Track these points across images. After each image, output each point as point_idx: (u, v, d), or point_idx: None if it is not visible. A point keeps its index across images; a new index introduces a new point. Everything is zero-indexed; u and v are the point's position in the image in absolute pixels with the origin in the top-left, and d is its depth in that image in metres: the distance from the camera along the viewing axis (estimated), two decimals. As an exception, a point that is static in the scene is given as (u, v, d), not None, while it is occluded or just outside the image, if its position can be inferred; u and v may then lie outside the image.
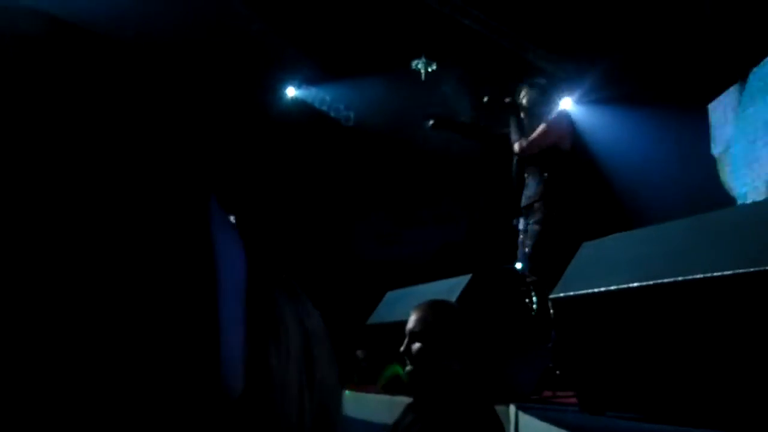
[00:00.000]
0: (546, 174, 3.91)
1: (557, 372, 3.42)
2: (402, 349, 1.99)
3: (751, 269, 1.54)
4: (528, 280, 3.86)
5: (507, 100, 4.03)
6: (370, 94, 7.03)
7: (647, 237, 2.14)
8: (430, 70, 7.14)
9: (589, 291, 2.06)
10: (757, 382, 1.61)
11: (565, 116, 4.29)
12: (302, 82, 7.18)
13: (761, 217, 1.75)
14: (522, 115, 4.01)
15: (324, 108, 7.27)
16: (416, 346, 1.94)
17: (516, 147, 3.95)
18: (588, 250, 2.35)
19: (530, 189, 3.98)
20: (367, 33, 6.54)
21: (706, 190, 5.69)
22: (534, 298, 3.84)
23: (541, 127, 3.92)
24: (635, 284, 1.89)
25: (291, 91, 7.22)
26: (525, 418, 2.37)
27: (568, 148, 4.00)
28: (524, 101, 4.04)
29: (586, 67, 6.52)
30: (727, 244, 1.72)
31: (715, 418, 1.71)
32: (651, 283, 1.83)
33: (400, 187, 7.24)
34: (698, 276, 1.69)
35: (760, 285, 1.55)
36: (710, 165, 5.86)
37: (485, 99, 4.12)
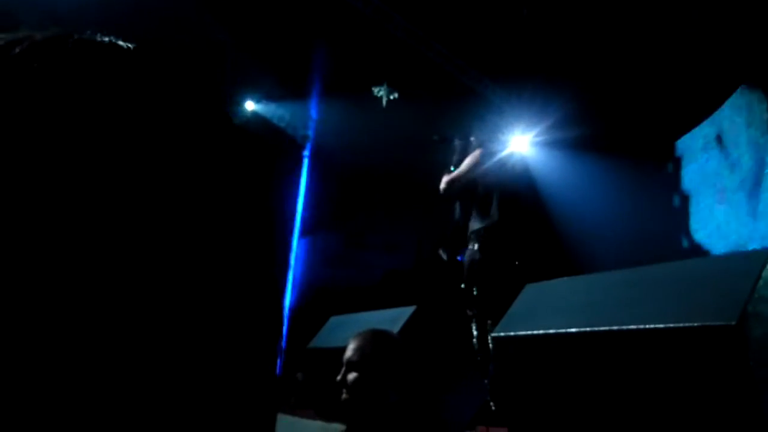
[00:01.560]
0: (490, 211, 3.98)
1: (492, 407, 3.47)
2: (338, 378, 1.98)
3: (679, 324, 1.61)
4: (469, 314, 3.91)
5: (456, 141, 4.11)
6: (330, 116, 7.06)
7: (588, 285, 2.22)
8: (391, 98, 7.23)
9: (529, 333, 2.11)
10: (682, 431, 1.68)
11: (489, 154, 4.34)
12: (262, 97, 7.15)
13: (697, 274, 1.85)
14: (477, 152, 4.08)
15: (282, 125, 7.25)
16: (352, 375, 1.94)
17: (442, 181, 4.03)
18: (531, 291, 2.41)
19: (474, 224, 4.05)
20: (332, 56, 6.59)
21: (655, 241, 5.88)
22: (474, 332, 3.89)
23: (468, 159, 4.00)
24: (573, 330, 1.95)
25: (250, 105, 7.18)
26: (458, 454, 2.39)
27: (515, 189, 4.09)
28: (475, 139, 4.11)
29: (544, 109, 6.73)
30: (660, 298, 1.80)
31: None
32: (587, 330, 1.90)
33: (352, 211, 7.25)
34: (630, 327, 1.76)
35: (687, 340, 1.62)
36: (661, 217, 6.06)
37: (435, 137, 4.19)
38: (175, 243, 0.31)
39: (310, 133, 7.32)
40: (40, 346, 0.26)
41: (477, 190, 4.02)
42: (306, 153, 7.25)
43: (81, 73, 0.31)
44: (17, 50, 0.32)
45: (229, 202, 0.35)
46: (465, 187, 3.98)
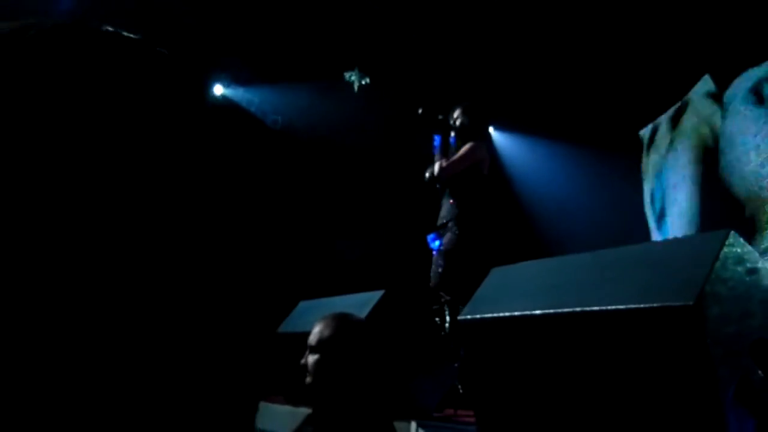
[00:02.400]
0: (461, 196, 4.00)
1: (460, 391, 3.50)
2: (302, 361, 1.98)
3: (639, 305, 1.64)
4: (442, 299, 3.93)
5: (440, 117, 4.10)
6: (300, 100, 6.99)
7: (552, 267, 2.24)
8: (363, 83, 7.18)
9: (494, 315, 2.12)
10: (640, 410, 1.71)
11: (487, 142, 4.42)
12: (231, 81, 7.05)
13: (658, 256, 1.88)
14: (452, 135, 4.09)
15: (251, 110, 7.16)
16: (312, 358, 1.95)
17: (435, 167, 4.02)
18: (497, 275, 2.42)
19: (445, 209, 4.06)
20: (303, 39, 6.52)
21: (620, 225, 5.96)
22: (447, 317, 3.92)
23: (462, 150, 4.02)
24: (537, 312, 1.97)
25: (219, 89, 7.07)
26: (424, 436, 2.41)
27: (485, 173, 4.12)
28: (457, 122, 4.11)
29: (512, 96, 6.77)
30: (622, 280, 1.83)
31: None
32: (552, 311, 1.92)
33: (324, 197, 7.22)
34: (593, 308, 1.79)
35: (647, 320, 1.65)
36: (625, 202, 6.15)
37: (420, 110, 4.15)
38: (168, 236, 0.31)
39: (279, 117, 7.24)
40: (34, 342, 0.26)
41: (453, 178, 4.03)
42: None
43: (91, 59, 0.33)
44: (32, 32, 0.32)
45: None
46: (453, 176, 3.99)
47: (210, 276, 0.33)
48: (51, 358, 0.27)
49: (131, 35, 0.37)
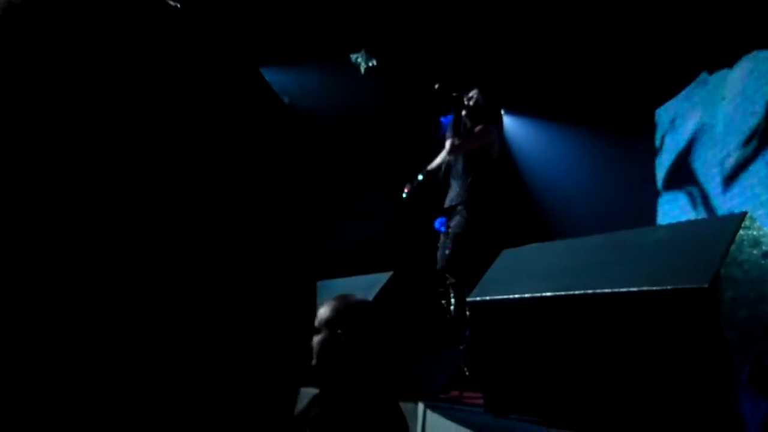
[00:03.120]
0: (471, 178, 3.98)
1: (466, 373, 3.51)
2: (314, 341, 1.99)
3: (653, 288, 1.62)
4: (448, 281, 3.93)
5: (454, 94, 4.07)
6: (308, 81, 6.95)
7: (563, 250, 2.22)
8: (370, 64, 7.13)
9: (504, 297, 2.11)
10: (652, 393, 1.70)
11: (498, 125, 4.41)
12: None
13: (672, 239, 1.86)
14: (463, 113, 4.06)
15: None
16: (316, 339, 1.95)
17: (447, 144, 4.00)
18: (507, 257, 2.41)
19: (454, 191, 4.05)
20: (309, 21, 6.47)
21: (627, 209, 5.91)
22: (452, 299, 3.92)
23: (476, 131, 4.00)
24: (548, 294, 1.96)
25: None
26: (432, 417, 2.41)
27: (495, 156, 4.10)
28: (471, 102, 4.09)
29: (523, 79, 6.71)
30: (635, 262, 1.81)
31: (613, 425, 1.79)
32: (562, 294, 1.90)
33: (331, 179, 7.21)
34: (605, 290, 1.77)
35: (661, 302, 1.64)
36: (635, 183, 6.07)
37: (436, 86, 4.12)
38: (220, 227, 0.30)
39: (286, 99, 7.21)
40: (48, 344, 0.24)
41: (462, 160, 4.02)
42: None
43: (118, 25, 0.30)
44: None
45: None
46: (464, 157, 4.00)
47: (221, 259, 0.32)
48: (57, 359, 0.26)
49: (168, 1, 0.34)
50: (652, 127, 5.74)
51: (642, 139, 5.82)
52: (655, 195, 5.88)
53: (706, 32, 5.01)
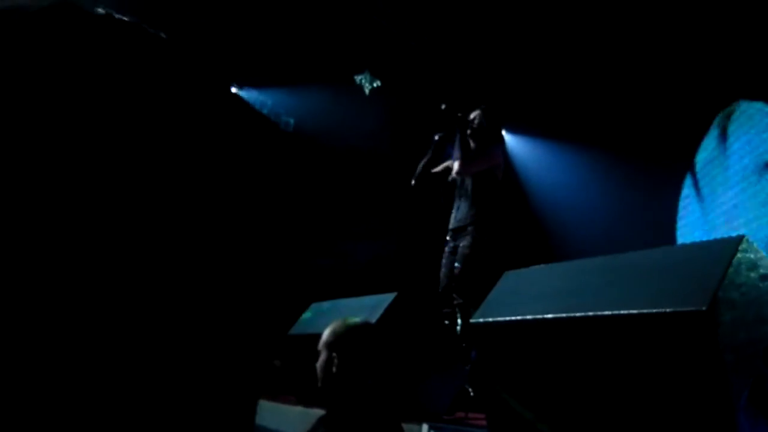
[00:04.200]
0: (479, 199, 4.01)
1: (471, 394, 3.51)
2: (317, 364, 2.04)
3: (652, 310, 1.64)
4: (454, 302, 3.94)
5: (459, 114, 4.11)
6: (312, 103, 7.03)
7: (565, 271, 2.24)
8: (374, 85, 7.21)
9: (506, 319, 2.13)
10: (653, 415, 1.71)
11: (502, 146, 4.44)
12: (244, 82, 7.10)
13: (671, 261, 1.88)
14: (468, 132, 4.10)
15: (264, 111, 7.21)
16: (319, 360, 2.02)
17: (456, 165, 4.03)
18: (510, 278, 2.43)
19: (461, 212, 4.07)
20: (315, 43, 6.55)
21: (636, 229, 5.88)
22: (458, 320, 3.93)
23: (484, 150, 4.04)
24: (549, 316, 1.98)
25: (232, 90, 7.13)
26: (436, 438, 2.42)
27: (500, 178, 4.13)
28: (475, 122, 4.13)
29: (528, 99, 6.76)
30: (636, 284, 1.83)
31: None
32: (563, 315, 1.92)
33: (336, 200, 7.25)
34: (606, 313, 1.79)
35: (660, 325, 1.66)
36: (639, 205, 6.04)
37: (443, 106, 4.15)
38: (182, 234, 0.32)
39: (292, 120, 7.28)
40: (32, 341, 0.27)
41: (471, 181, 4.05)
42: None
43: (79, 41, 0.32)
44: (19, 15, 0.32)
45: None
46: (473, 178, 4.03)
47: (214, 276, 0.34)
48: (52, 357, 0.28)
49: (124, 17, 0.36)
50: (659, 147, 5.73)
51: (651, 160, 5.81)
52: (668, 214, 5.87)
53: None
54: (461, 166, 4.00)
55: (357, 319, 2.18)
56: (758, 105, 4.77)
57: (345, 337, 2.02)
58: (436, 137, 4.16)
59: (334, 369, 1.97)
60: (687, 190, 5.68)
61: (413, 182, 4.24)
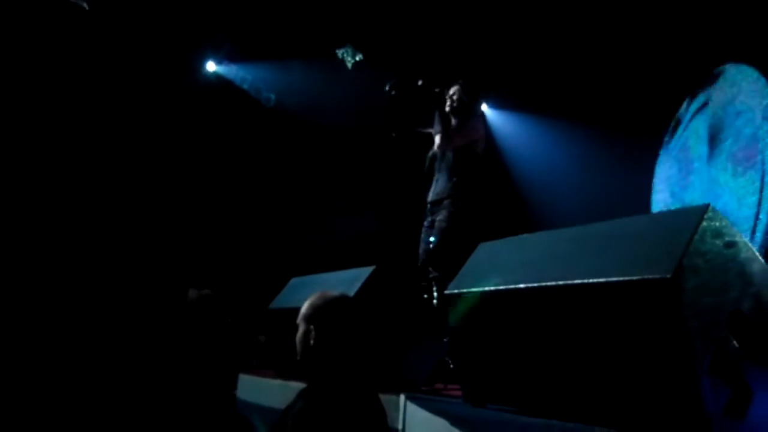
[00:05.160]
0: (457, 172, 4.01)
1: (450, 365, 3.54)
2: (296, 337, 2.05)
3: (620, 278, 1.67)
4: (430, 275, 3.96)
5: (437, 90, 4.09)
6: (293, 78, 6.95)
7: (538, 242, 2.27)
8: (356, 59, 7.13)
9: (479, 289, 2.15)
10: (620, 380, 1.75)
11: (484, 120, 4.43)
12: (223, 58, 6.99)
13: (638, 230, 1.90)
14: (447, 109, 4.09)
15: (244, 87, 7.12)
16: (297, 334, 2.03)
17: (437, 138, 4.02)
18: (483, 250, 2.45)
19: (440, 185, 4.08)
20: (295, 16, 6.46)
21: (613, 201, 5.91)
22: (435, 293, 3.95)
23: (465, 125, 4.03)
24: (521, 285, 2.00)
25: (211, 66, 7.02)
26: (412, 408, 2.45)
27: (480, 151, 4.13)
28: (454, 97, 4.11)
29: (507, 73, 6.74)
30: (605, 253, 1.85)
31: (584, 413, 1.84)
32: (534, 285, 1.94)
33: (317, 175, 7.22)
34: (576, 281, 1.81)
35: (627, 293, 1.68)
36: (618, 179, 6.06)
37: (420, 82, 4.12)
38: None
39: (272, 95, 7.21)
40: None
41: (451, 155, 4.04)
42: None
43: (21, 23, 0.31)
44: None
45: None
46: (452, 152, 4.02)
47: (189, 250, 0.34)
48: (47, 351, 0.28)
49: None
50: (640, 120, 5.74)
51: (631, 133, 5.82)
52: (645, 188, 5.90)
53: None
54: (442, 140, 3.99)
55: (335, 293, 2.18)
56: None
57: (322, 309, 2.03)
58: (387, 87, 4.10)
59: (311, 342, 1.98)
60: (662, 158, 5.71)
61: (393, 134, 4.21)
